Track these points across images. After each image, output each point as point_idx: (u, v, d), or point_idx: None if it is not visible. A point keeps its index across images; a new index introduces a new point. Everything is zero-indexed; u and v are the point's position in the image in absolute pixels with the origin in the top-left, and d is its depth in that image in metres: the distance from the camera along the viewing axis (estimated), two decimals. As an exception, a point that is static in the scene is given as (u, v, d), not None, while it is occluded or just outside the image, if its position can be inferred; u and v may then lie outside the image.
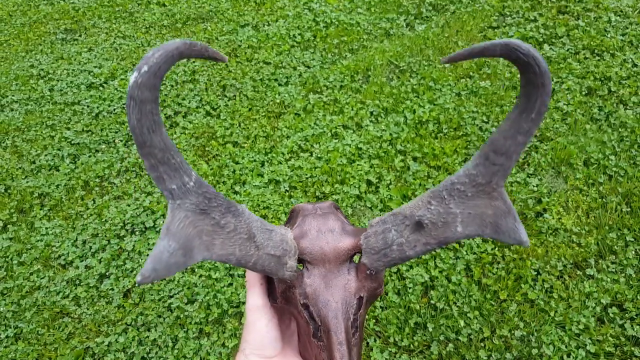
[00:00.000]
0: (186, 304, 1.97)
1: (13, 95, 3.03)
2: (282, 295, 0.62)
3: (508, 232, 0.53)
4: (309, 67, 2.98)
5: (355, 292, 0.60)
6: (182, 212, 0.51)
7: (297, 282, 0.61)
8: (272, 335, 0.65)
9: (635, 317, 1.82)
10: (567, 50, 2.86)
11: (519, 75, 2.76)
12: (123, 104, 2.88)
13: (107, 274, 2.10)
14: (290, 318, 0.72)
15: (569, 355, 1.75)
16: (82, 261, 2.15)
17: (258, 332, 0.64)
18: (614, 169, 2.26)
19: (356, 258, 0.65)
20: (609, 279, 1.92)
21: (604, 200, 2.17)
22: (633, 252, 1.99)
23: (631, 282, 1.91)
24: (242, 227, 0.57)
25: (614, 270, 1.95)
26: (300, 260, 0.63)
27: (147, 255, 2.12)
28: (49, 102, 2.97)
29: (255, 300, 0.65)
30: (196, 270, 2.06)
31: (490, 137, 0.54)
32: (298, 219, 0.67)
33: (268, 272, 0.59)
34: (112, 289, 2.04)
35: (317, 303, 0.60)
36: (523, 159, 2.35)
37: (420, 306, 1.89)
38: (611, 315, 1.83)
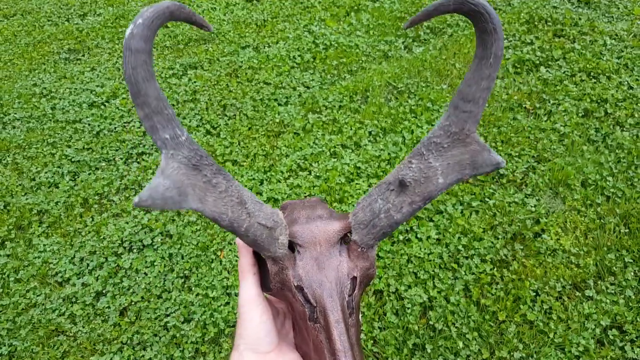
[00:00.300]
0: (182, 322, 1.95)
1: (15, 113, 3.05)
2: (275, 277, 0.62)
3: (484, 163, 0.55)
4: (308, 88, 3.01)
5: (348, 273, 0.61)
6: (175, 163, 0.51)
7: (289, 264, 0.61)
8: (267, 328, 0.63)
9: (635, 339, 1.80)
10: (564, 72, 2.90)
11: (515, 97, 2.80)
12: (124, 122, 2.90)
13: (103, 291, 2.09)
14: (284, 315, 0.71)
15: (569, 378, 1.73)
16: (79, 279, 2.13)
17: (252, 324, 0.62)
18: (612, 190, 2.27)
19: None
20: (608, 301, 1.91)
21: (602, 221, 2.17)
22: (632, 274, 1.98)
23: (630, 304, 1.90)
24: (234, 191, 0.57)
25: (613, 291, 1.94)
26: (292, 245, 0.63)
27: (145, 273, 2.11)
28: (50, 120, 2.98)
29: (249, 291, 0.63)
30: (193, 289, 2.05)
31: (458, 88, 0.57)
32: (287, 211, 0.68)
33: (260, 244, 0.58)
34: (109, 307, 2.02)
35: (311, 284, 0.59)
36: (521, 180, 2.36)
37: (418, 327, 1.87)
38: (611, 337, 1.81)
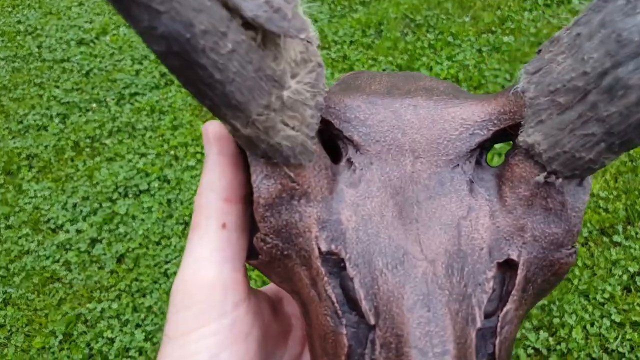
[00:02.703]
0: (183, 269, 1.97)
1: (-1, 53, 3.02)
2: (269, 215, 0.27)
3: None
4: (316, 21, 2.92)
5: (490, 245, 0.26)
6: None
7: (314, 183, 0.26)
8: None
9: (665, 285, 1.80)
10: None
11: (544, 30, 2.70)
12: (115, 61, 2.85)
13: (99, 238, 2.11)
14: (303, 343, 0.36)
15: (592, 325, 1.74)
16: (72, 225, 2.15)
17: None
18: (647, 130, 2.22)
19: (493, 159, 0.32)
20: (637, 246, 1.90)
21: (633, 163, 2.14)
22: (665, 219, 1.96)
23: (662, 250, 1.89)
24: None
25: (643, 237, 1.93)
26: (333, 142, 0.30)
27: (142, 219, 2.12)
28: (37, 59, 2.95)
29: (200, 270, 0.28)
30: (193, 234, 2.07)
31: None
32: (348, 79, 0.36)
33: (211, 73, 0.22)
34: (105, 254, 2.05)
35: (372, 258, 0.25)
36: (547, 119, 2.31)
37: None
38: (638, 283, 1.82)
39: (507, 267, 0.26)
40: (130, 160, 2.35)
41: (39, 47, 3.03)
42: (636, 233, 1.94)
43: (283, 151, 0.25)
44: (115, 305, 1.90)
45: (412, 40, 2.72)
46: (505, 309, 0.25)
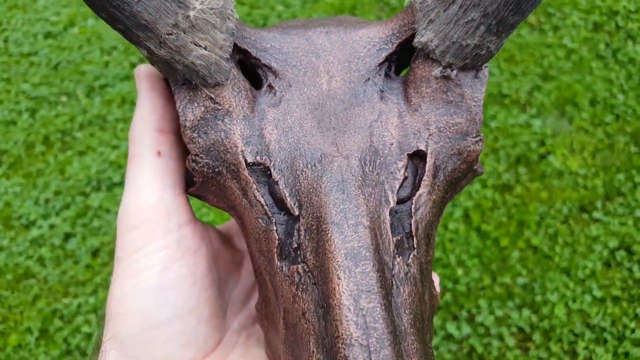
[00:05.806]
0: (161, 261, 1.95)
1: (-38, 48, 2.94)
2: (196, 136, 0.29)
3: None
4: (288, 7, 2.90)
5: (400, 140, 0.29)
6: None
7: (236, 102, 0.29)
8: (181, 295, 0.29)
9: (644, 259, 1.84)
10: (572, -18, 2.81)
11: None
12: (84, 53, 2.79)
13: (73, 233, 2.07)
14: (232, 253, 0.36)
15: (574, 301, 1.76)
16: (45, 220, 2.11)
17: (141, 285, 0.29)
18: (622, 107, 2.25)
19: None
20: (616, 222, 1.93)
21: (611, 140, 2.17)
22: (642, 194, 2.00)
23: (639, 225, 1.92)
24: None
25: (621, 212, 1.96)
26: (254, 71, 0.32)
27: (116, 212, 2.08)
28: (3, 54, 2.87)
29: (143, 196, 0.29)
30: (171, 225, 2.04)
31: None
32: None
33: None
34: (79, 249, 2.01)
35: (293, 162, 0.28)
36: (525, 100, 2.33)
37: (415, 256, 1.89)
38: (618, 259, 1.84)
39: (420, 160, 0.30)
40: (102, 153, 2.31)
41: (5, 41, 2.95)
42: (615, 209, 1.96)
43: (199, 71, 0.28)
44: (92, 300, 1.87)
45: (388, 25, 2.72)
46: (418, 193, 0.29)
